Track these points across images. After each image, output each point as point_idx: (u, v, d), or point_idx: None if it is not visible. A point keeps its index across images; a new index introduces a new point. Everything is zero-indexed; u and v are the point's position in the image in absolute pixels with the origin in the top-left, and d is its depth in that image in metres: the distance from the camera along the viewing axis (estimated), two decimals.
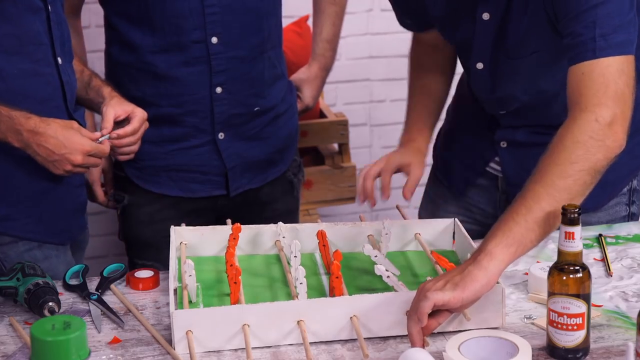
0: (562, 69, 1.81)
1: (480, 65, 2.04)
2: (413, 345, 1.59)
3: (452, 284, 1.58)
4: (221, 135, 2.30)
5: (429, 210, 2.34)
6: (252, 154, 2.35)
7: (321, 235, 1.94)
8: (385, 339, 1.70)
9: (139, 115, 2.06)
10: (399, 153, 2.19)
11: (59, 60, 1.98)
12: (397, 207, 2.14)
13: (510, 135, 2.12)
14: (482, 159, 2.20)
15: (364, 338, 1.65)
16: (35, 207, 2.00)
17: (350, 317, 1.68)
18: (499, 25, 1.96)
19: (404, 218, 2.07)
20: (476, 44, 2.02)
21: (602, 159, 1.67)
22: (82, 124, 2.04)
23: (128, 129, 2.03)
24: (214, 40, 2.22)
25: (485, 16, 1.96)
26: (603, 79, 1.71)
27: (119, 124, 2.04)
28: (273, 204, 2.44)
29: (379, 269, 1.80)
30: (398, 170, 2.18)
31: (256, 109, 2.32)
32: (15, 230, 1.99)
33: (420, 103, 2.23)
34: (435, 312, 1.60)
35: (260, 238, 2.00)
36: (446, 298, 1.57)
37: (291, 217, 2.47)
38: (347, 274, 1.90)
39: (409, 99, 2.26)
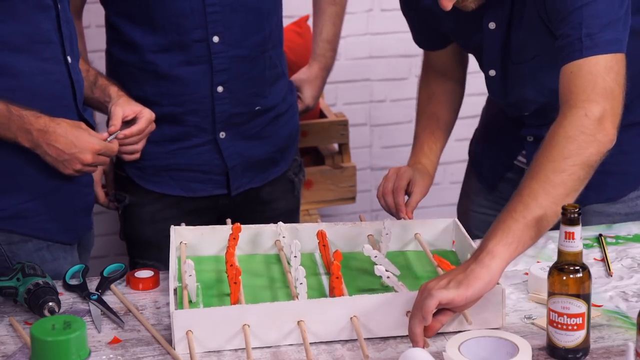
0: None
1: (492, 72, 2.07)
2: (415, 345, 1.59)
3: (456, 282, 1.59)
4: (222, 135, 2.30)
5: (463, 204, 2.40)
6: (253, 153, 2.35)
7: (321, 235, 1.94)
8: (385, 339, 1.70)
9: (147, 115, 2.06)
10: (408, 168, 2.16)
11: (69, 59, 1.98)
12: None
13: (536, 131, 2.14)
14: (510, 153, 2.24)
15: (364, 338, 1.65)
16: (46, 205, 1.99)
17: (351, 318, 1.68)
18: (505, 33, 1.99)
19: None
20: (486, 52, 2.05)
21: (594, 154, 1.68)
22: (92, 123, 2.04)
23: (134, 129, 2.03)
24: (215, 39, 2.22)
25: (492, 25, 1.99)
26: (591, 76, 1.73)
27: (126, 124, 2.04)
28: (274, 203, 2.45)
29: (379, 270, 1.80)
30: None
31: (257, 108, 2.32)
32: (24, 228, 1.98)
33: (428, 129, 2.23)
34: (437, 312, 1.60)
35: (260, 238, 2.00)
36: (450, 296, 1.57)
37: (292, 216, 2.47)
38: (347, 274, 1.90)
39: (417, 123, 2.27)
